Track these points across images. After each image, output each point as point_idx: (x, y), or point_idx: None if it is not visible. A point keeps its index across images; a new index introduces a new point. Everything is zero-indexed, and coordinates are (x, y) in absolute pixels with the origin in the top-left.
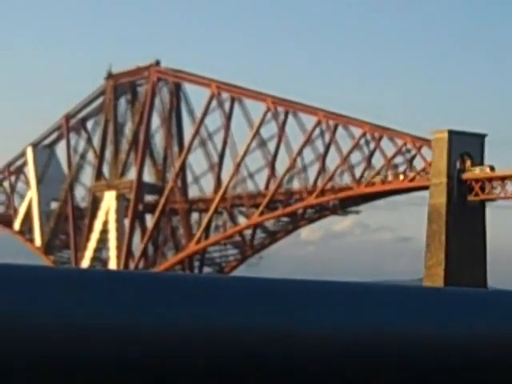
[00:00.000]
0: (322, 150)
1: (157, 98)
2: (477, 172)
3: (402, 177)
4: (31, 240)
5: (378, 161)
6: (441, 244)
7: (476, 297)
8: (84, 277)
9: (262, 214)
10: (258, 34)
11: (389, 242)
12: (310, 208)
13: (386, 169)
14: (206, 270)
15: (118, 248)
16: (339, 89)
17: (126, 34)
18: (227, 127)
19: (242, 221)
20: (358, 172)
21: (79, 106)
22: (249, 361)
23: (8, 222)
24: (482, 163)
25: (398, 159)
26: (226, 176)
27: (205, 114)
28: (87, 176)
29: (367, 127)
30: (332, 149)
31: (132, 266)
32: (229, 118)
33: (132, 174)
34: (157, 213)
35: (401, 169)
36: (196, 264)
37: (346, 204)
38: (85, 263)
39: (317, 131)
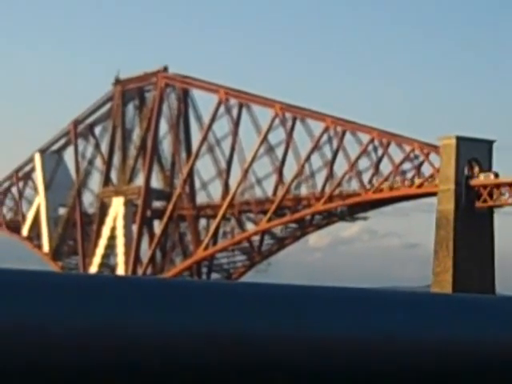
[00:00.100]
0: (329, 156)
1: (165, 103)
2: (481, 179)
3: (408, 184)
4: (39, 246)
5: (385, 167)
6: (449, 250)
7: (484, 303)
8: (92, 282)
9: (269, 220)
10: (267, 41)
11: (396, 248)
12: (317, 214)
13: (393, 175)
14: (214, 276)
15: (126, 254)
16: (347, 95)
17: (134, 40)
18: (235, 133)
19: (250, 227)
20: (365, 178)
21: (87, 111)
22: (257, 366)
23: (16, 228)
24: (490, 169)
25: (406, 165)
26: (233, 182)
27: (213, 120)
28: (95, 182)
29: (375, 133)
30: (340, 155)
31: (140, 272)
32: (237, 124)
33: (140, 180)
34: (165, 219)
35: (409, 175)
36: (204, 270)
37: (354, 210)
38: (93, 269)
39: (325, 137)
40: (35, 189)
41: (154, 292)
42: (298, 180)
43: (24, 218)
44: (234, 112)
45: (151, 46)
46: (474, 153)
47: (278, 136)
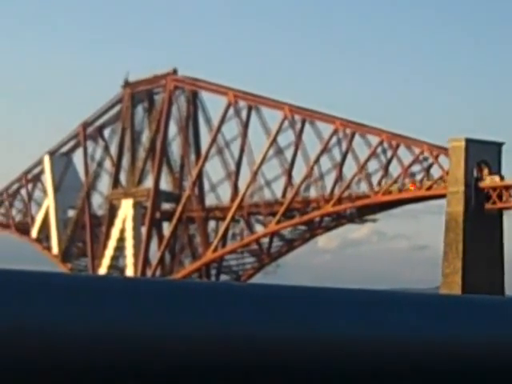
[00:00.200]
0: (339, 158)
1: (174, 106)
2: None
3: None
4: (48, 248)
5: (395, 169)
6: (458, 252)
7: (494, 304)
8: (101, 284)
9: (278, 222)
10: (276, 43)
11: (405, 250)
12: (327, 216)
13: (403, 177)
14: (223, 278)
15: (135, 256)
16: (356, 97)
17: (144, 42)
18: (244, 135)
19: (259, 229)
20: (375, 180)
21: (96, 113)
22: (267, 367)
23: (25, 230)
24: (499, 171)
25: (415, 167)
26: (242, 184)
27: (222, 122)
28: (104, 184)
29: (384, 135)
30: (349, 157)
31: (149, 273)
32: (246, 126)
33: (149, 182)
34: (174, 221)
35: (418, 177)
36: (213, 272)
37: (363, 212)
38: (102, 271)
39: (334, 139)
40: (44, 191)
41: (163, 293)
42: (307, 182)
43: (33, 219)
44: (243, 114)
45: (161, 48)
46: (483, 155)
47: (287, 138)
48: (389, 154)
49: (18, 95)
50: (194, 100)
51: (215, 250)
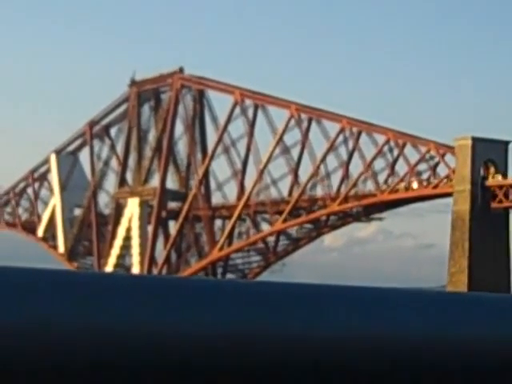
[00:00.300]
0: (345, 156)
1: (180, 105)
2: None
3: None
4: (55, 247)
5: (401, 168)
6: (464, 251)
7: (500, 302)
8: (107, 281)
9: (285, 220)
10: (282, 42)
11: (412, 248)
12: (333, 215)
13: (409, 176)
14: (229, 276)
15: (142, 255)
16: (362, 96)
17: (150, 41)
18: (250, 134)
19: (266, 228)
20: (381, 179)
21: (103, 112)
22: (271, 365)
23: (32, 229)
24: (506, 170)
25: (422, 166)
26: (249, 183)
27: (228, 120)
28: (110, 183)
29: (391, 134)
30: (355, 156)
31: (155, 272)
32: (252, 124)
33: (155, 181)
34: (180, 219)
35: (424, 176)
36: (219, 271)
37: (370, 211)
38: (108, 270)
39: (340, 138)
40: (51, 190)
41: (169, 291)
42: (314, 181)
43: (39, 218)
44: (250, 113)
45: (167, 47)
46: (489, 153)
47: (293, 137)
48: (395, 152)
49: (24, 94)
50: (200, 99)
51: (221, 248)
